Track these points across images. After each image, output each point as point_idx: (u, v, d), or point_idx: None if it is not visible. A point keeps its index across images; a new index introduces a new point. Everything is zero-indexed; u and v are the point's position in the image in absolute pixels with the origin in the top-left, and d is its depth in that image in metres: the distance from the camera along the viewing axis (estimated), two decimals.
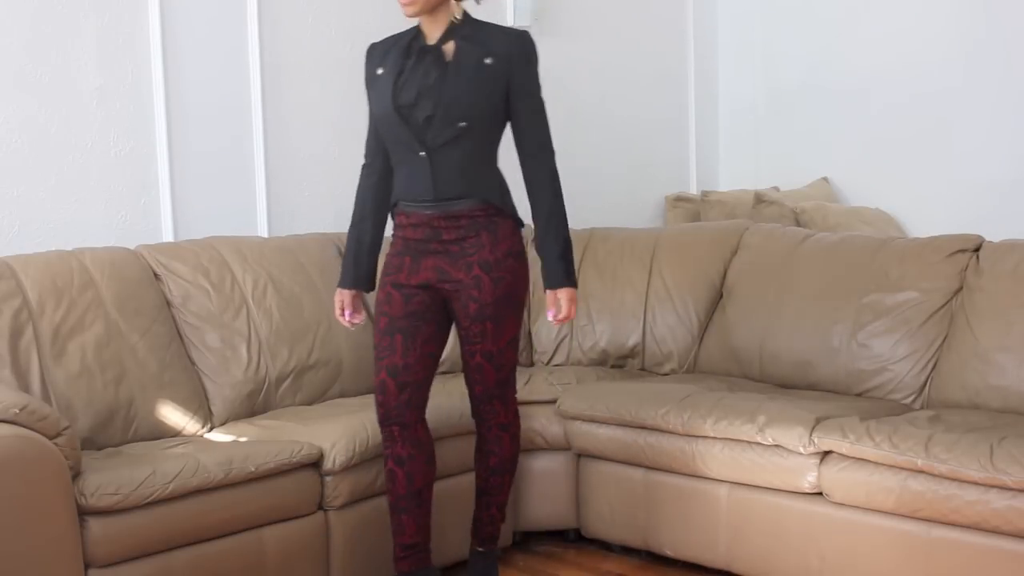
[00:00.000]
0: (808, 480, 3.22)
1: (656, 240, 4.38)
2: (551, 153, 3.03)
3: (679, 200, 5.38)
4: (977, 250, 3.67)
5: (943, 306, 3.62)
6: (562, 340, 4.23)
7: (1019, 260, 3.53)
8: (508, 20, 4.87)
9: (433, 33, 2.97)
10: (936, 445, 2.99)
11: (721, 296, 4.16)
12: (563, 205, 3.04)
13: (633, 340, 4.20)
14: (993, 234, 3.75)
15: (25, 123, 3.60)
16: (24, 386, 3.10)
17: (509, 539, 3.76)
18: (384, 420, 3.06)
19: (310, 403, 3.69)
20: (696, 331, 4.14)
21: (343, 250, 3.25)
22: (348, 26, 4.39)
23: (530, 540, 3.87)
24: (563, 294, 3.04)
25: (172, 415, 3.39)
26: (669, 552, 3.57)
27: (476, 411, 3.17)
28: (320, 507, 3.22)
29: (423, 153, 2.92)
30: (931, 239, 3.80)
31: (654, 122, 5.57)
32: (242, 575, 3.02)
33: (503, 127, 3.03)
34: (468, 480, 3.54)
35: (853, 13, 5.37)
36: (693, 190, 5.64)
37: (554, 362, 4.24)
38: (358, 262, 3.15)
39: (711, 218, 5.12)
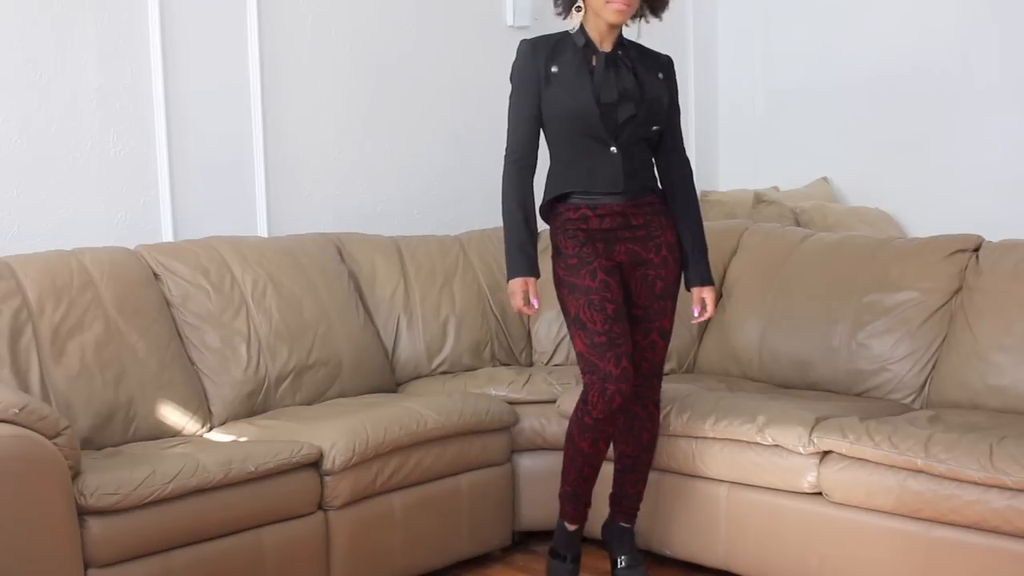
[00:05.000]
0: (808, 480, 3.22)
1: None
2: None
3: None
4: (977, 250, 3.67)
5: (942, 306, 3.62)
6: (561, 340, 4.22)
7: (1019, 260, 3.53)
8: (508, 20, 4.88)
9: (606, 42, 3.18)
10: (936, 445, 2.99)
11: (721, 296, 4.15)
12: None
13: None
14: (993, 234, 3.75)
15: (25, 123, 3.60)
16: (24, 386, 3.10)
17: (509, 539, 3.76)
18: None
19: (310, 403, 3.69)
20: (696, 331, 4.14)
21: (508, 239, 3.20)
22: (348, 26, 4.39)
23: (530, 540, 3.86)
24: (708, 292, 3.28)
25: (172, 415, 3.39)
26: (669, 552, 3.57)
27: (636, 390, 3.20)
28: (320, 507, 3.22)
29: (614, 149, 3.12)
30: (931, 239, 3.80)
31: None
32: (242, 575, 3.02)
33: None
34: (468, 479, 3.55)
35: (853, 13, 5.37)
36: None
37: (554, 362, 4.23)
38: (532, 249, 3.21)
39: (711, 218, 5.10)
